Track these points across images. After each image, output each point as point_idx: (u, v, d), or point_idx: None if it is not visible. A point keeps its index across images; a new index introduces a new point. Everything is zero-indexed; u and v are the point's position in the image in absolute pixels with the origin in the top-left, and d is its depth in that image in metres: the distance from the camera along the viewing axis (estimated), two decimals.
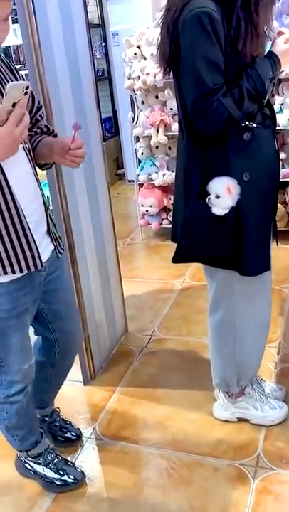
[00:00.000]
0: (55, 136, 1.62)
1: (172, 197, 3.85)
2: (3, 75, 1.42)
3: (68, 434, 2.01)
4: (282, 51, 1.50)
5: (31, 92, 1.51)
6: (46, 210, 1.54)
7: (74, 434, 2.02)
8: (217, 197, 1.52)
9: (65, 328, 1.72)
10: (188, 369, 2.38)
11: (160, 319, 2.82)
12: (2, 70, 1.43)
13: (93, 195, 2.32)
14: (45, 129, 1.61)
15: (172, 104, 3.54)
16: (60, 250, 1.62)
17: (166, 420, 2.09)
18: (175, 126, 3.54)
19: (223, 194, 1.52)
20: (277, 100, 3.18)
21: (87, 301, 2.29)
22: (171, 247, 1.81)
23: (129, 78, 3.62)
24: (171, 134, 3.60)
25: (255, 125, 1.53)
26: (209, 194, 1.55)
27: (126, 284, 3.02)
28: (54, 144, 1.51)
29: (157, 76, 3.42)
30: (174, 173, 3.76)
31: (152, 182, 3.75)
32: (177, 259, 1.68)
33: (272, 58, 1.50)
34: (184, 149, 1.62)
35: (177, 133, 3.47)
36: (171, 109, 3.56)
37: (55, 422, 2.00)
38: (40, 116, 1.61)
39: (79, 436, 2.02)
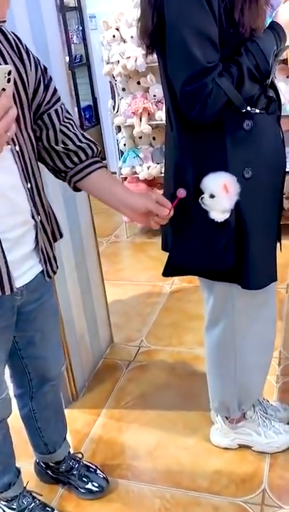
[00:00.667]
0: (102, 158, 1.35)
1: (159, 191, 3.62)
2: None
3: (90, 485, 1.68)
4: (288, 21, 1.25)
5: (43, 69, 1.23)
6: (38, 224, 1.26)
7: (97, 485, 1.68)
8: (212, 196, 1.27)
9: (37, 354, 1.46)
10: (181, 385, 2.14)
11: (148, 327, 2.57)
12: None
13: (68, 189, 2.04)
14: (76, 140, 1.29)
15: (155, 90, 3.27)
16: (51, 273, 1.35)
17: (157, 448, 1.85)
18: (159, 115, 3.28)
19: (219, 193, 1.27)
20: None
21: (66, 310, 2.04)
22: (158, 245, 1.56)
23: (107, 63, 3.34)
24: (155, 123, 3.33)
25: (258, 111, 1.28)
26: (203, 193, 1.29)
27: (110, 288, 2.77)
28: (132, 200, 1.25)
29: (138, 60, 3.14)
30: (159, 165, 3.54)
31: (136, 175, 3.49)
32: (168, 272, 1.43)
33: (276, 30, 1.25)
34: (172, 142, 1.36)
35: (162, 122, 3.19)
36: (154, 95, 3.29)
37: (73, 469, 1.70)
38: (61, 109, 1.28)
39: (103, 488, 1.69)
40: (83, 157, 1.28)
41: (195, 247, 1.35)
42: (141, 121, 3.32)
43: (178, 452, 1.83)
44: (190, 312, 2.63)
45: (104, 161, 1.35)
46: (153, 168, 3.43)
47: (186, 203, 1.30)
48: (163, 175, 1.51)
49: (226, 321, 1.54)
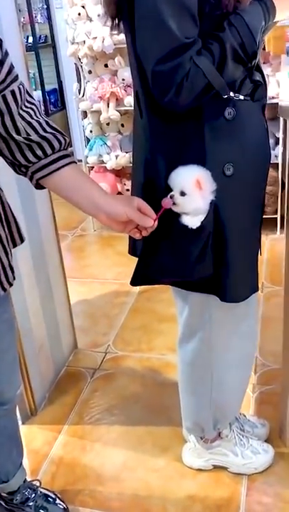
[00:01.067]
0: (69, 145, 1.13)
1: (128, 182, 3.42)
2: None
3: None
4: None
5: None
6: None
7: None
8: (182, 194, 1.08)
9: None
10: (151, 397, 1.97)
11: (116, 330, 2.39)
12: None
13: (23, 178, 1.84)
14: (39, 129, 1.07)
15: (124, 73, 3.06)
16: (6, 285, 1.16)
17: (124, 470, 1.68)
18: (128, 100, 3.07)
19: (191, 190, 1.08)
20: None
21: (22, 314, 1.83)
22: (127, 240, 1.37)
23: (72, 43, 3.10)
24: (124, 108, 3.12)
25: (242, 97, 1.09)
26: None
27: (74, 286, 2.58)
28: (111, 205, 1.07)
29: (106, 40, 2.92)
30: (128, 155, 3.33)
31: (104, 164, 3.28)
32: (138, 281, 1.24)
33: (264, 1, 1.06)
34: (142, 132, 1.17)
35: (131, 108, 2.97)
36: (123, 79, 3.07)
37: (29, 500, 1.49)
38: (19, 91, 1.05)
39: None
40: (48, 150, 1.07)
41: (166, 256, 1.16)
42: (108, 106, 3.11)
43: (147, 475, 1.66)
44: (160, 313, 2.46)
45: (70, 149, 1.11)
46: (122, 158, 3.23)
47: (157, 204, 1.11)
48: (131, 169, 1.32)
49: (202, 335, 1.37)
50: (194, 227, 1.09)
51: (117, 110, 3.10)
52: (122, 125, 3.25)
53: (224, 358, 1.40)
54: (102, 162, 3.28)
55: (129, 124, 3.25)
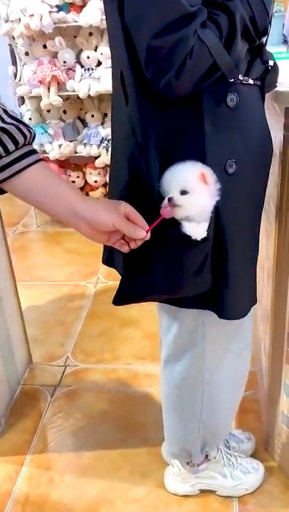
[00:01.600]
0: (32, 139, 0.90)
1: (74, 173, 3.18)
2: None
3: None
4: None
5: None
6: None
7: None
8: (184, 193, 0.90)
9: None
10: (121, 414, 1.79)
11: (74, 339, 2.18)
12: None
13: None
14: None
15: (66, 55, 2.81)
16: None
17: (101, 504, 1.49)
18: (71, 84, 2.82)
19: (195, 185, 0.90)
20: None
21: None
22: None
23: (6, 21, 2.80)
24: (66, 94, 2.87)
25: (251, 82, 0.91)
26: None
27: (22, 290, 2.33)
28: (94, 212, 0.89)
29: (44, 19, 2.65)
30: (72, 144, 3.09)
31: (46, 155, 3.01)
32: (123, 300, 1.05)
33: None
34: (127, 123, 0.96)
35: (74, 93, 2.73)
36: (64, 62, 2.82)
37: None
38: None
39: None
40: (10, 146, 0.84)
41: (159, 272, 0.98)
42: (49, 91, 2.84)
43: (127, 507, 1.48)
44: (122, 317, 2.27)
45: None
46: (65, 147, 2.98)
47: (148, 210, 0.92)
48: (110, 168, 1.11)
49: (193, 354, 1.20)
50: (199, 238, 0.91)
51: (59, 95, 2.85)
52: (65, 112, 2.99)
53: (216, 378, 1.24)
54: (44, 152, 3.02)
55: (72, 111, 3.01)
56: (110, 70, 1.02)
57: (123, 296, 1.03)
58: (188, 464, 1.44)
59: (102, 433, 1.72)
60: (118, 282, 1.05)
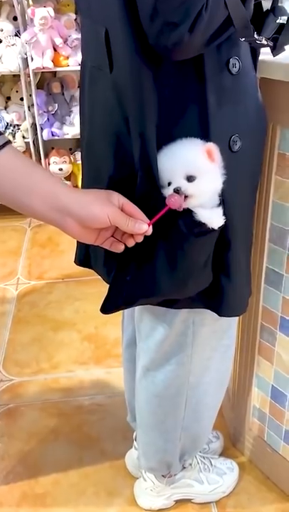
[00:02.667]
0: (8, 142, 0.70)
1: None
2: None
3: None
4: None
5: None
6: None
7: None
8: (190, 179, 0.76)
9: None
10: (72, 428, 1.61)
11: (3, 350, 1.94)
12: None
13: None
14: None
15: None
16: None
17: None
18: None
19: (202, 166, 0.77)
20: None
21: None
22: None
23: None
24: None
25: (265, 42, 0.78)
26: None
27: None
28: (85, 205, 0.72)
29: None
30: None
31: None
32: (117, 305, 0.89)
33: None
34: (112, 94, 0.79)
35: None
36: None
37: None
38: None
39: None
40: None
41: (162, 268, 0.82)
42: None
43: None
44: (53, 319, 2.07)
45: None
46: None
47: (143, 201, 0.77)
48: (82, 153, 0.92)
49: (180, 359, 1.06)
50: (217, 226, 0.77)
51: None
52: None
53: (202, 381, 1.12)
54: None
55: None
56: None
57: (114, 302, 0.86)
58: (164, 476, 1.31)
59: (54, 453, 1.53)
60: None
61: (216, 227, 0.78)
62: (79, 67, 0.92)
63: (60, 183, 0.72)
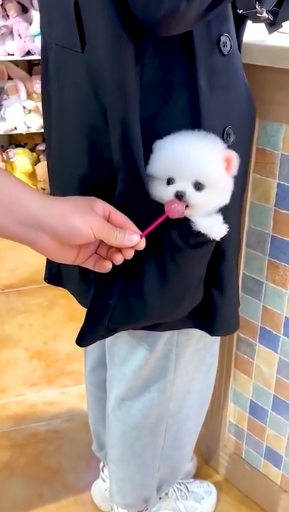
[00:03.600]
0: None
1: None
2: None
3: None
4: None
5: None
6: None
7: None
8: (199, 187, 0.63)
9: None
10: (29, 461, 1.43)
11: None
12: None
13: None
14: None
15: None
16: None
17: None
18: None
19: (217, 177, 0.65)
20: None
21: None
22: None
23: None
24: None
25: (266, 15, 0.66)
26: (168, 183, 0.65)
27: None
28: (62, 218, 0.58)
29: None
30: None
31: None
32: (95, 336, 0.74)
33: None
34: (84, 79, 0.64)
35: None
36: None
37: None
38: None
39: None
40: None
41: (151, 289, 0.69)
42: None
43: None
44: (2, 335, 1.88)
45: None
46: None
47: (131, 206, 0.63)
48: (47, 152, 0.77)
49: (160, 386, 0.93)
50: (219, 237, 0.65)
51: None
52: None
53: (184, 405, 1.00)
54: None
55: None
56: None
57: (93, 333, 0.72)
58: (139, 511, 1.18)
59: (10, 492, 1.35)
60: None
61: (217, 238, 0.66)
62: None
63: (30, 190, 0.57)
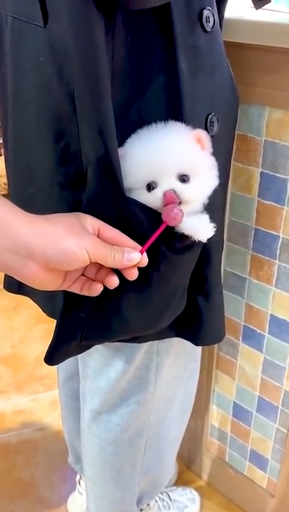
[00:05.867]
0: None
1: None
2: None
3: None
4: None
5: None
6: None
7: None
8: (184, 178, 0.55)
9: None
10: (0, 475, 1.35)
11: None
12: None
13: None
14: None
15: None
16: None
17: None
18: None
19: (198, 161, 0.58)
20: None
21: None
22: None
23: None
24: None
25: None
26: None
27: None
28: (52, 238, 0.50)
29: None
30: None
31: None
32: (66, 353, 0.66)
33: None
34: (46, 56, 0.55)
35: None
36: None
37: None
38: None
39: None
40: None
41: (130, 302, 0.61)
42: None
43: None
44: None
45: None
46: None
47: (108, 213, 0.55)
48: (4, 149, 0.67)
49: (140, 398, 0.85)
50: (205, 238, 0.57)
51: None
52: None
53: (165, 415, 0.92)
54: None
55: None
56: None
57: (64, 349, 0.63)
58: None
59: None
60: None
61: (203, 240, 0.58)
62: None
63: (23, 217, 0.49)
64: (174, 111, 0.57)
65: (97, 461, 0.94)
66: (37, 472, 1.34)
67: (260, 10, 0.79)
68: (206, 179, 0.58)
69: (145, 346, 0.78)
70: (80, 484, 1.20)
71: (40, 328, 1.78)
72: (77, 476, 1.21)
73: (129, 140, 0.56)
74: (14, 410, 1.52)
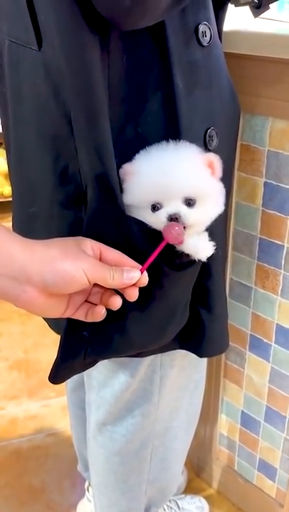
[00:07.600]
0: None
1: None
2: None
3: None
4: None
5: None
6: None
7: None
8: (190, 202, 0.55)
9: None
10: (11, 480, 1.35)
11: None
12: None
13: None
14: None
15: None
16: None
17: None
18: None
19: (207, 187, 0.58)
20: None
21: None
22: None
23: None
24: None
25: None
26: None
27: None
28: (51, 261, 0.50)
29: None
30: None
31: None
32: (74, 368, 0.68)
33: None
34: (42, 79, 0.56)
35: None
36: None
37: None
38: None
39: None
40: None
41: (133, 319, 0.61)
42: None
43: None
44: None
45: None
46: None
47: (110, 226, 0.55)
48: (8, 170, 0.68)
49: (145, 409, 0.85)
50: (205, 257, 0.57)
51: None
52: None
53: (171, 425, 0.93)
54: None
55: None
56: None
57: (68, 368, 0.64)
58: None
59: None
60: None
61: (203, 258, 0.59)
62: None
63: (20, 242, 0.50)
64: (171, 128, 0.57)
65: (104, 471, 0.95)
66: (47, 478, 1.35)
67: (264, 20, 0.79)
68: (211, 205, 0.58)
69: (148, 359, 0.78)
70: (88, 491, 1.21)
71: (53, 334, 1.78)
72: (86, 483, 1.22)
73: (138, 156, 0.56)
74: (26, 416, 1.53)
